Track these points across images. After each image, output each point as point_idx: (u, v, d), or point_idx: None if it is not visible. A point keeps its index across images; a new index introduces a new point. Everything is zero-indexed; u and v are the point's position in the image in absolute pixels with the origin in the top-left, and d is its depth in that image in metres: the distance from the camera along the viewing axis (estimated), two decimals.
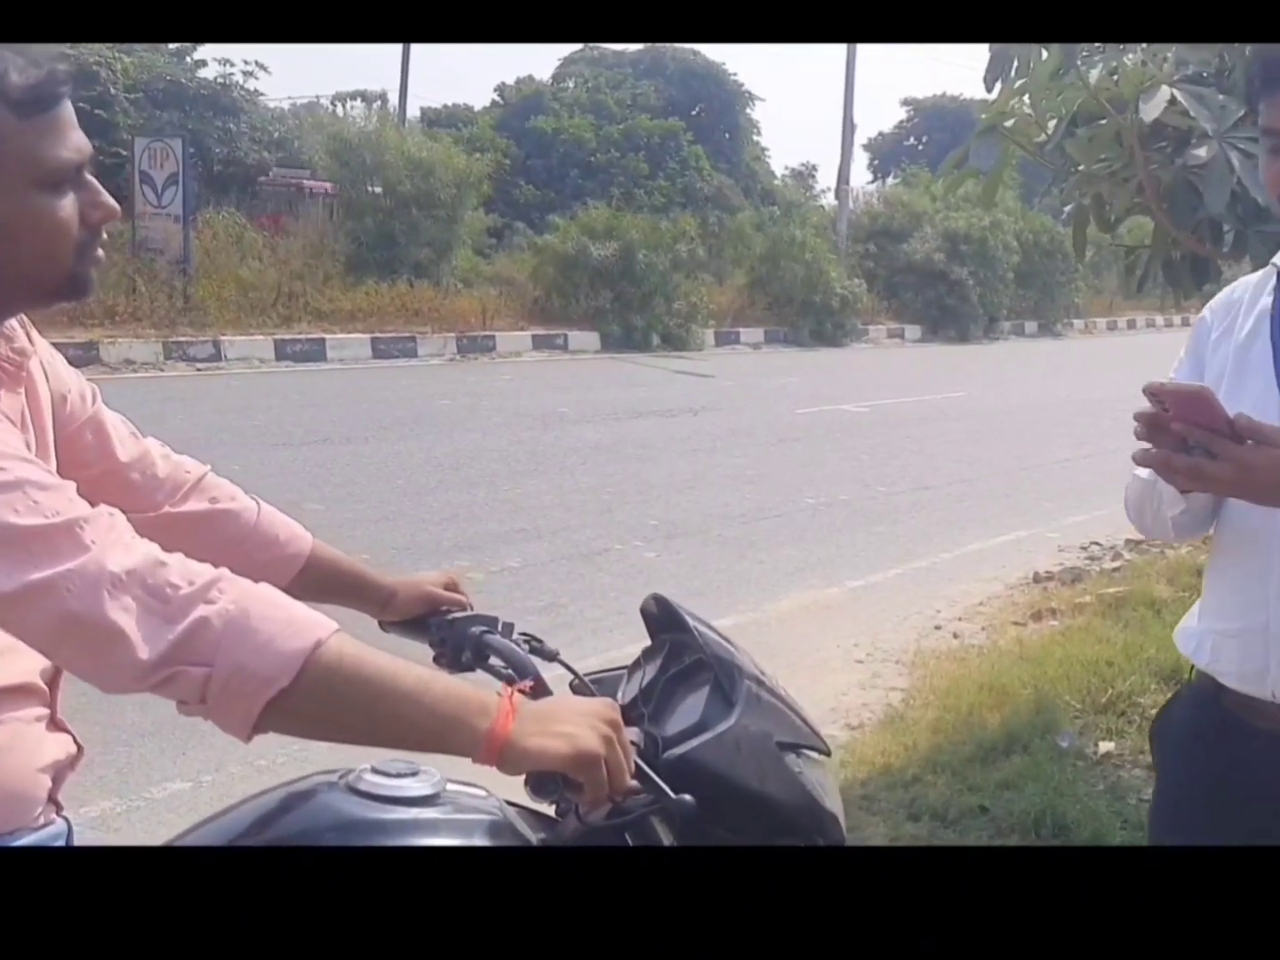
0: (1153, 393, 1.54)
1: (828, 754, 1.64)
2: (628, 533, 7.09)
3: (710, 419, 11.29)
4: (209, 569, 1.23)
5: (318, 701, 1.22)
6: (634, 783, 1.36)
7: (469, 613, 1.79)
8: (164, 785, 3.67)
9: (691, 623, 1.59)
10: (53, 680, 1.49)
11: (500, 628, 1.74)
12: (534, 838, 1.49)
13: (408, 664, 1.27)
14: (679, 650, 1.61)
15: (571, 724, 1.31)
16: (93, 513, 1.22)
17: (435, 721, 1.26)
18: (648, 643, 1.70)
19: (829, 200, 30.10)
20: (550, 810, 1.54)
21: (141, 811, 3.45)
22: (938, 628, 5.80)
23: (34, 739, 1.45)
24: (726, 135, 34.59)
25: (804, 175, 37.38)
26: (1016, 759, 4.10)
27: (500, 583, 5.93)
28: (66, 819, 1.52)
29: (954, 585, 6.52)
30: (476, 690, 1.31)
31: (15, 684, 1.43)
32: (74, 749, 1.53)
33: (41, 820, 1.46)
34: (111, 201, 1.38)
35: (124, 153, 16.53)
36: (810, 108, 70.20)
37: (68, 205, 1.33)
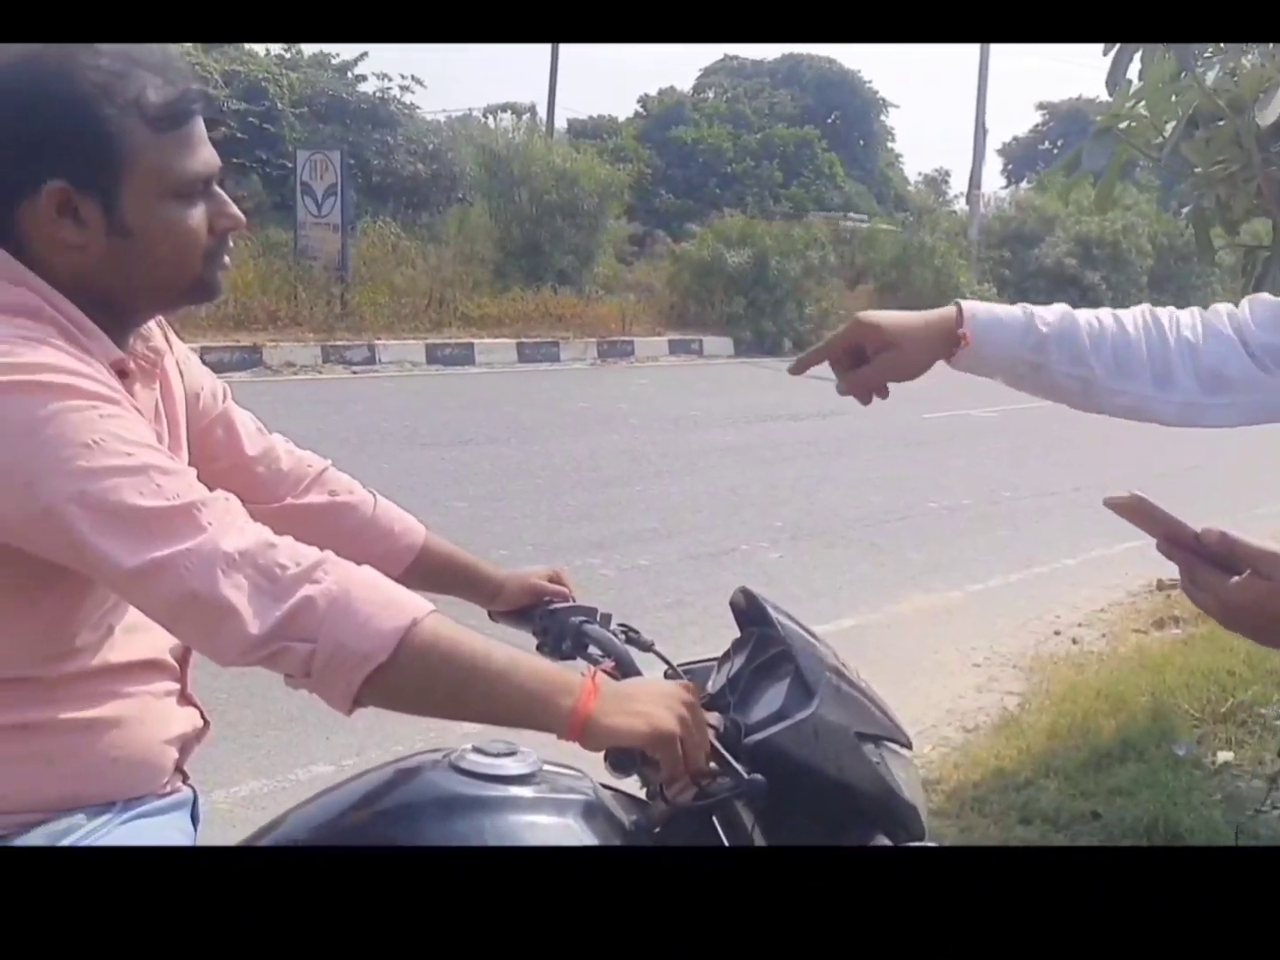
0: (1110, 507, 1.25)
1: (909, 746, 1.64)
2: (754, 533, 7.10)
3: (838, 423, 11.20)
4: (315, 551, 1.26)
5: (413, 678, 1.25)
6: (711, 765, 1.38)
7: (570, 604, 1.83)
8: (309, 767, 3.80)
9: (775, 616, 1.61)
10: (183, 657, 1.54)
11: (599, 618, 1.78)
12: (626, 819, 1.52)
13: (499, 644, 1.30)
14: (765, 643, 1.63)
15: (650, 704, 1.33)
16: (210, 496, 1.26)
17: (522, 699, 1.28)
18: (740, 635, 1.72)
19: (962, 206, 29.57)
20: (641, 793, 1.57)
21: (287, 791, 3.58)
22: (1057, 633, 5.70)
23: (163, 712, 1.49)
24: (861, 142, 34.28)
25: (937, 181, 36.81)
26: (1131, 766, 4.01)
27: (631, 580, 5.99)
28: (193, 788, 1.57)
29: (1075, 591, 6.39)
30: (562, 670, 1.35)
31: (146, 659, 1.47)
32: (200, 723, 1.57)
33: (168, 788, 1.50)
34: (237, 212, 1.43)
35: (289, 165, 16.94)
36: (945, 113, 69.09)
37: (197, 215, 1.38)
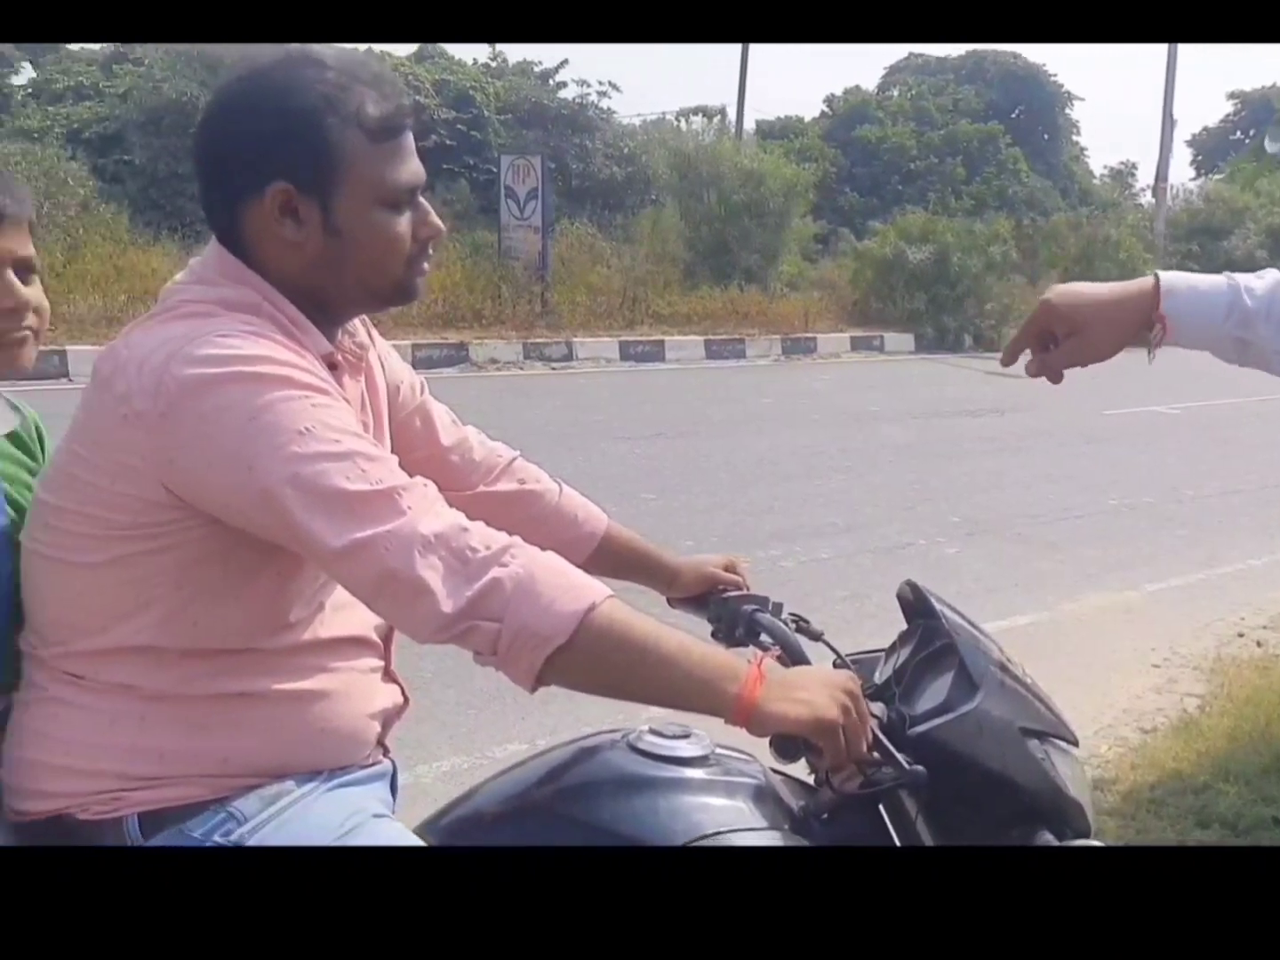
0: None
1: (1075, 744, 1.60)
2: (930, 529, 6.98)
3: (1017, 419, 10.90)
4: (504, 536, 1.29)
5: (590, 659, 1.27)
6: (873, 754, 1.37)
7: (744, 593, 1.84)
8: (505, 745, 3.91)
9: (940, 609, 1.60)
10: (387, 635, 1.57)
11: (770, 607, 1.79)
12: (794, 805, 1.53)
13: (671, 630, 1.32)
14: (930, 635, 1.61)
15: (813, 692, 1.34)
16: (410, 482, 1.30)
17: (692, 683, 1.30)
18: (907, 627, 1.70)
19: (1148, 199, 28.37)
20: (810, 779, 1.57)
21: (484, 768, 3.69)
22: (1240, 635, 5.43)
23: (368, 687, 1.52)
24: (1045, 136, 33.18)
25: (1123, 174, 35.34)
26: None
27: (809, 572, 5.96)
28: (393, 761, 1.60)
29: (1261, 593, 6.06)
30: (730, 657, 1.37)
31: (354, 635, 1.51)
32: (401, 699, 1.59)
33: (370, 760, 1.53)
34: (439, 222, 1.48)
35: (494, 169, 17.30)
36: (1132, 105, 66.07)
37: (403, 223, 1.44)
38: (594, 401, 11.32)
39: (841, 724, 1.33)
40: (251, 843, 1.34)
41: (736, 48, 24.14)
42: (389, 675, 1.59)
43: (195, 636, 1.37)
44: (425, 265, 1.49)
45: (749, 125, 27.42)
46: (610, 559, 1.86)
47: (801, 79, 74.64)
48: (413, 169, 1.44)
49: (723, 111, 29.84)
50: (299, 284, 1.42)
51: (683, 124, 30.04)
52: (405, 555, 1.24)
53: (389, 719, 1.57)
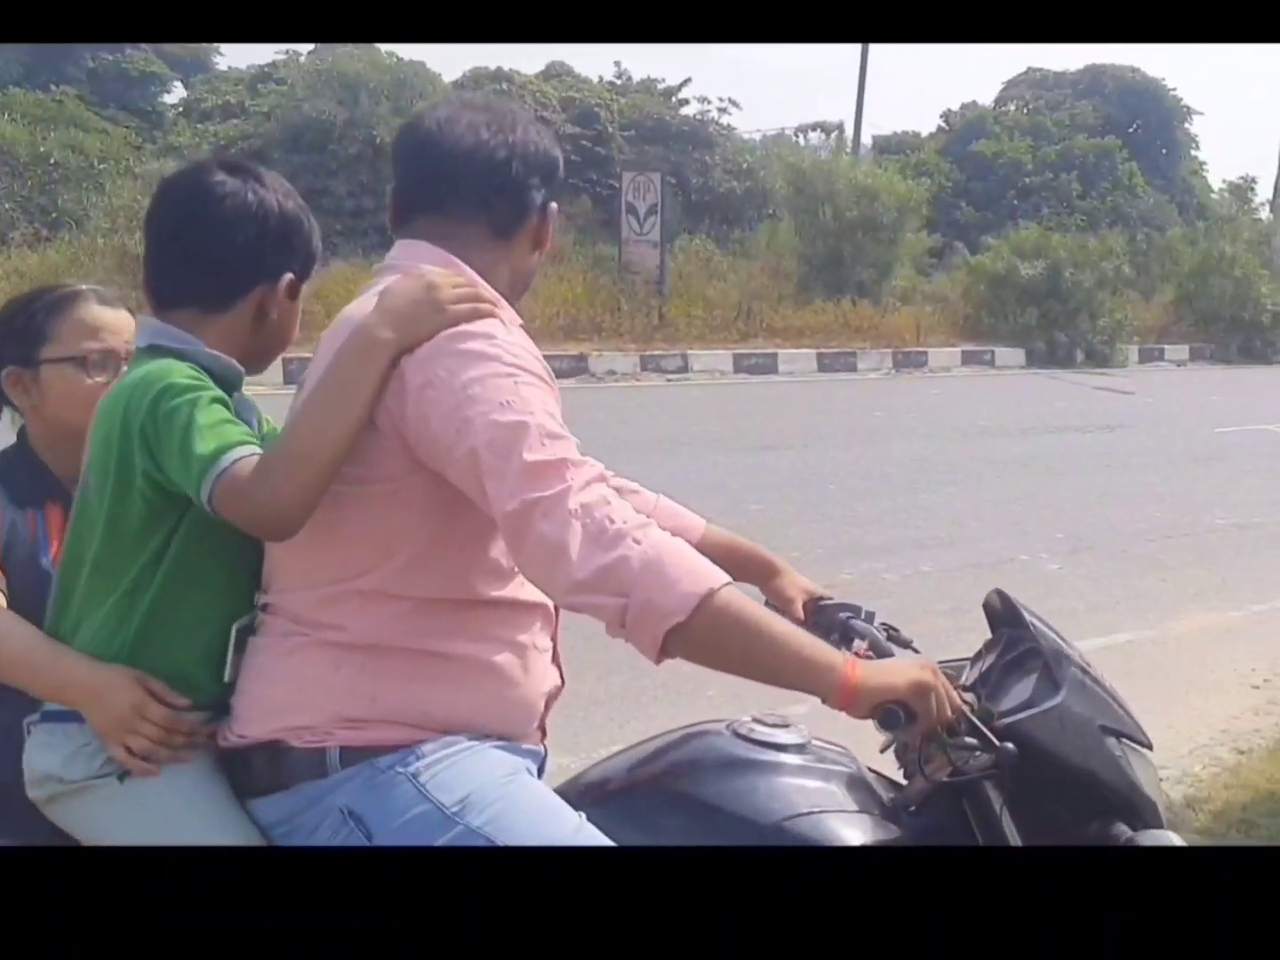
0: None
1: (1150, 748, 1.67)
2: (1034, 544, 6.94)
3: (1126, 435, 10.73)
4: (641, 518, 1.39)
5: (708, 636, 1.37)
6: (962, 732, 1.48)
7: (839, 601, 1.93)
8: (609, 747, 4.00)
9: (1026, 616, 1.69)
10: (556, 619, 1.67)
11: (864, 615, 1.87)
12: (884, 795, 1.63)
13: (780, 618, 1.45)
14: (1015, 642, 1.70)
15: (904, 666, 1.48)
16: (580, 459, 1.43)
17: (798, 664, 1.41)
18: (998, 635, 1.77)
19: (1268, 214, 27.46)
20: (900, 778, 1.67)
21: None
22: None
23: (543, 666, 1.64)
24: (1163, 150, 32.25)
25: (1242, 188, 34.18)
26: None
27: (912, 585, 5.98)
28: (545, 746, 1.67)
29: None
30: (831, 647, 1.48)
31: (540, 602, 1.61)
32: (560, 682, 1.69)
33: (532, 739, 1.63)
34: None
35: (616, 185, 17.49)
36: (1254, 119, 63.83)
37: (536, 259, 1.72)
38: (707, 413, 11.41)
39: (933, 685, 1.44)
40: (425, 778, 1.47)
41: (854, 64, 24.02)
42: (555, 656, 1.69)
43: (427, 585, 1.51)
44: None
45: (866, 140, 27.28)
46: (712, 557, 1.94)
47: (919, 95, 73.75)
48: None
49: (840, 127, 29.71)
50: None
51: (801, 140, 30.02)
52: (555, 519, 1.36)
53: (550, 700, 1.67)
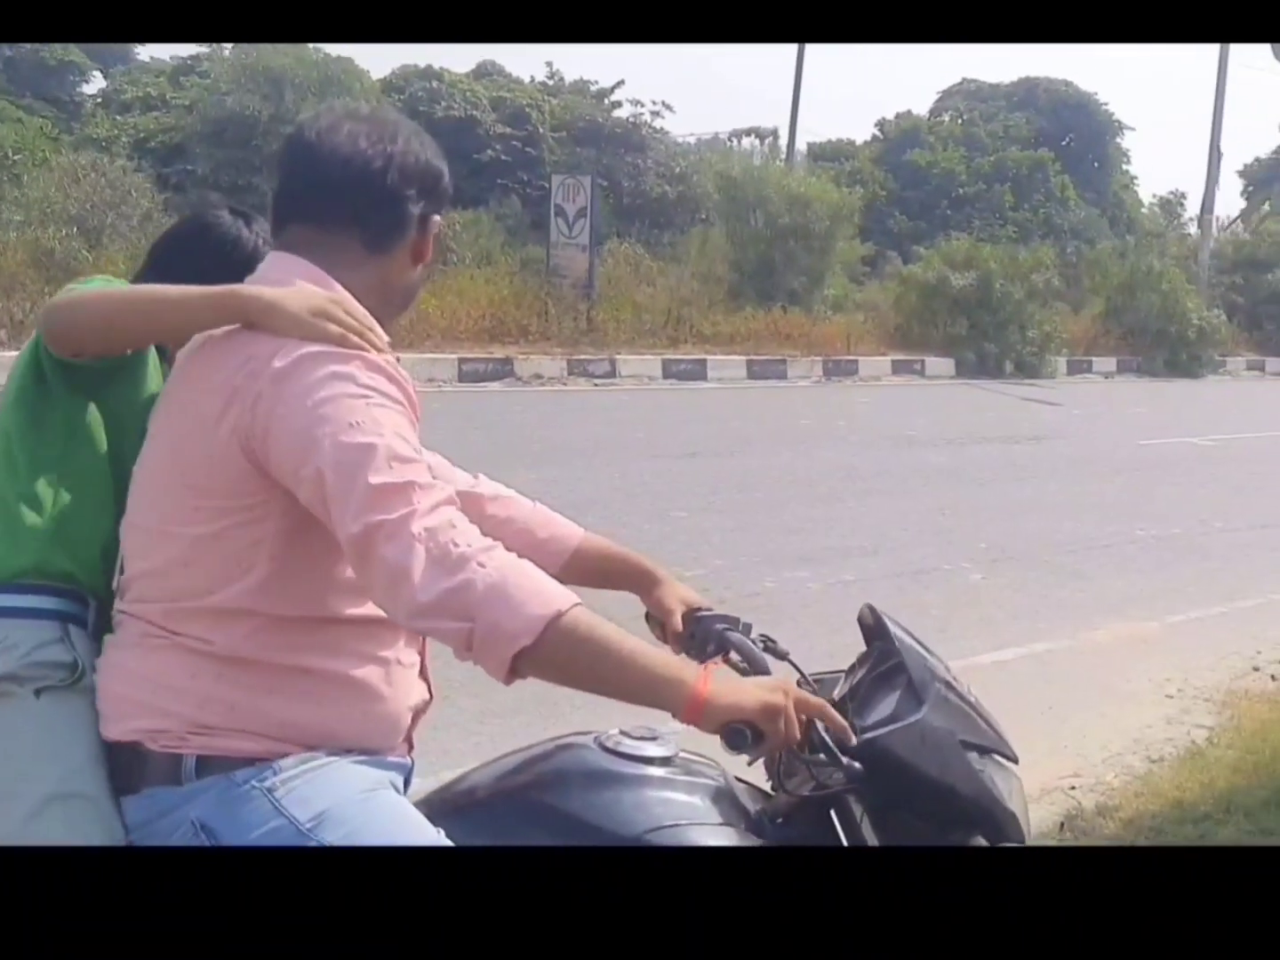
0: None
1: (1015, 761, 1.72)
2: (957, 554, 7.03)
3: (1052, 446, 10.92)
4: (488, 540, 1.41)
5: (556, 657, 1.39)
6: (817, 753, 1.50)
7: (717, 613, 1.94)
8: None
9: (893, 630, 1.73)
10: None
11: (740, 627, 1.89)
12: (751, 807, 1.66)
13: (629, 635, 1.44)
14: (885, 656, 1.73)
15: (756, 685, 1.50)
16: (429, 483, 1.43)
17: (648, 681, 1.43)
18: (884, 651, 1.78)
19: (1196, 230, 28.16)
20: (768, 787, 1.69)
21: None
22: (1256, 669, 5.44)
23: (409, 681, 1.65)
24: (1095, 164, 32.92)
25: (1172, 204, 34.97)
26: None
27: (834, 595, 6.02)
28: (412, 759, 1.70)
29: None
30: (683, 661, 1.53)
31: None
32: (428, 696, 1.70)
33: (398, 752, 1.65)
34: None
35: (547, 186, 17.44)
36: (1184, 135, 65.45)
37: (419, 274, 1.70)
38: (635, 418, 11.44)
39: (782, 708, 1.46)
40: (281, 793, 1.47)
41: (790, 71, 24.22)
42: (423, 671, 1.70)
43: (286, 602, 1.52)
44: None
45: (801, 147, 27.52)
46: (584, 570, 1.96)
47: (854, 103, 74.61)
48: None
49: (775, 133, 29.95)
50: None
51: (735, 145, 30.19)
52: (398, 543, 1.37)
53: (418, 713, 1.68)
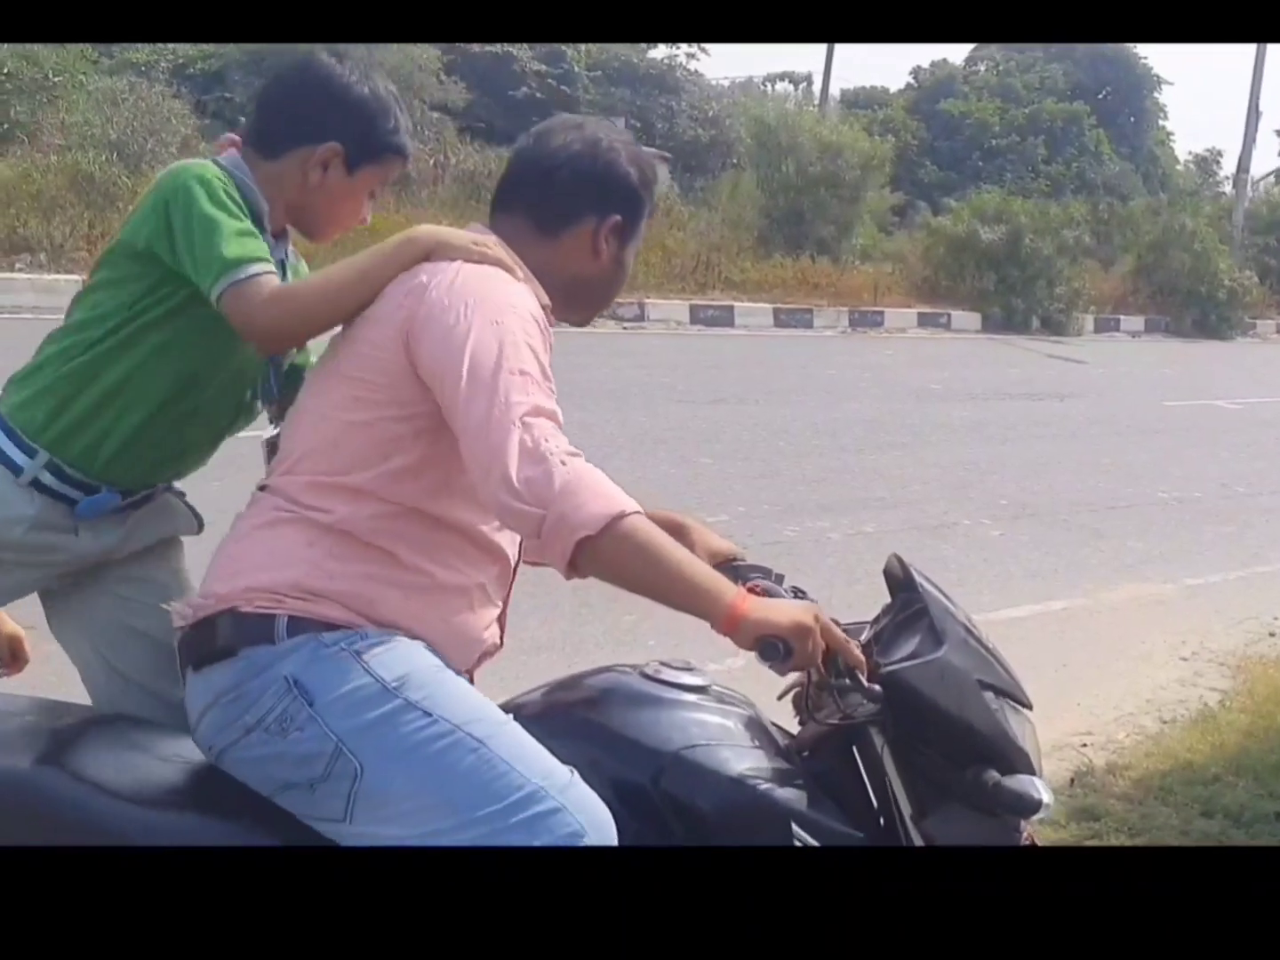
0: None
1: (1029, 707, 1.77)
2: (977, 509, 7.02)
3: (1076, 405, 10.85)
4: (573, 449, 1.54)
5: (613, 554, 1.50)
6: (841, 669, 1.60)
7: (749, 562, 2.01)
8: None
9: (918, 579, 1.79)
10: (511, 582, 1.81)
11: (773, 577, 1.96)
12: (780, 739, 1.74)
13: (681, 546, 1.57)
14: (909, 604, 1.80)
15: (790, 605, 1.62)
16: (542, 393, 1.57)
17: (694, 590, 1.54)
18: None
19: (1230, 189, 27.72)
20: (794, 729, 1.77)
21: None
22: (1272, 635, 5.44)
23: (489, 616, 1.76)
24: (1131, 119, 32.42)
25: (1208, 161, 34.41)
26: None
27: (854, 545, 6.03)
28: None
29: None
30: (727, 581, 1.60)
31: (505, 552, 1.75)
32: (499, 642, 1.82)
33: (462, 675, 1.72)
34: None
35: None
36: (1223, 92, 64.18)
37: (597, 270, 1.86)
38: (662, 363, 11.41)
39: (813, 628, 1.56)
40: (367, 656, 1.58)
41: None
42: (501, 618, 1.81)
43: (410, 494, 1.66)
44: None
45: (834, 93, 27.16)
46: None
47: (889, 50, 73.29)
48: None
49: (809, 78, 29.60)
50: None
51: (769, 89, 29.83)
52: (501, 430, 1.52)
53: (486, 654, 1.79)
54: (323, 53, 1.92)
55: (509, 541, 1.74)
